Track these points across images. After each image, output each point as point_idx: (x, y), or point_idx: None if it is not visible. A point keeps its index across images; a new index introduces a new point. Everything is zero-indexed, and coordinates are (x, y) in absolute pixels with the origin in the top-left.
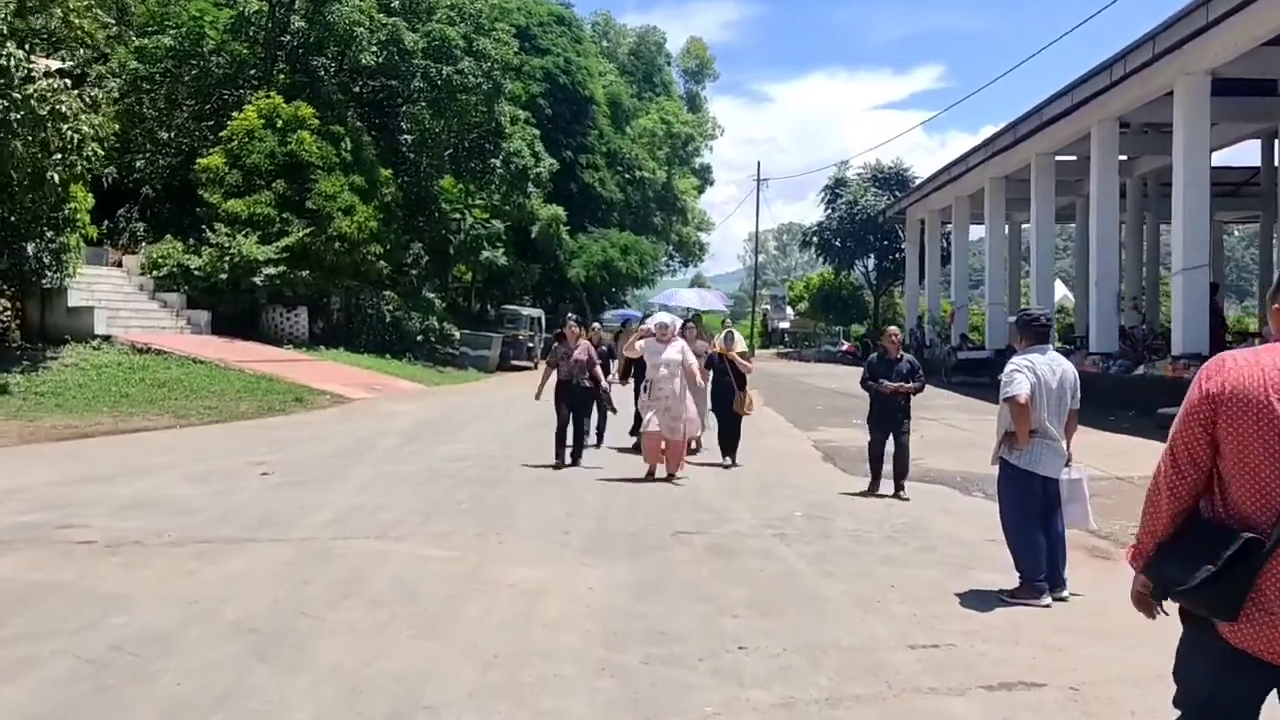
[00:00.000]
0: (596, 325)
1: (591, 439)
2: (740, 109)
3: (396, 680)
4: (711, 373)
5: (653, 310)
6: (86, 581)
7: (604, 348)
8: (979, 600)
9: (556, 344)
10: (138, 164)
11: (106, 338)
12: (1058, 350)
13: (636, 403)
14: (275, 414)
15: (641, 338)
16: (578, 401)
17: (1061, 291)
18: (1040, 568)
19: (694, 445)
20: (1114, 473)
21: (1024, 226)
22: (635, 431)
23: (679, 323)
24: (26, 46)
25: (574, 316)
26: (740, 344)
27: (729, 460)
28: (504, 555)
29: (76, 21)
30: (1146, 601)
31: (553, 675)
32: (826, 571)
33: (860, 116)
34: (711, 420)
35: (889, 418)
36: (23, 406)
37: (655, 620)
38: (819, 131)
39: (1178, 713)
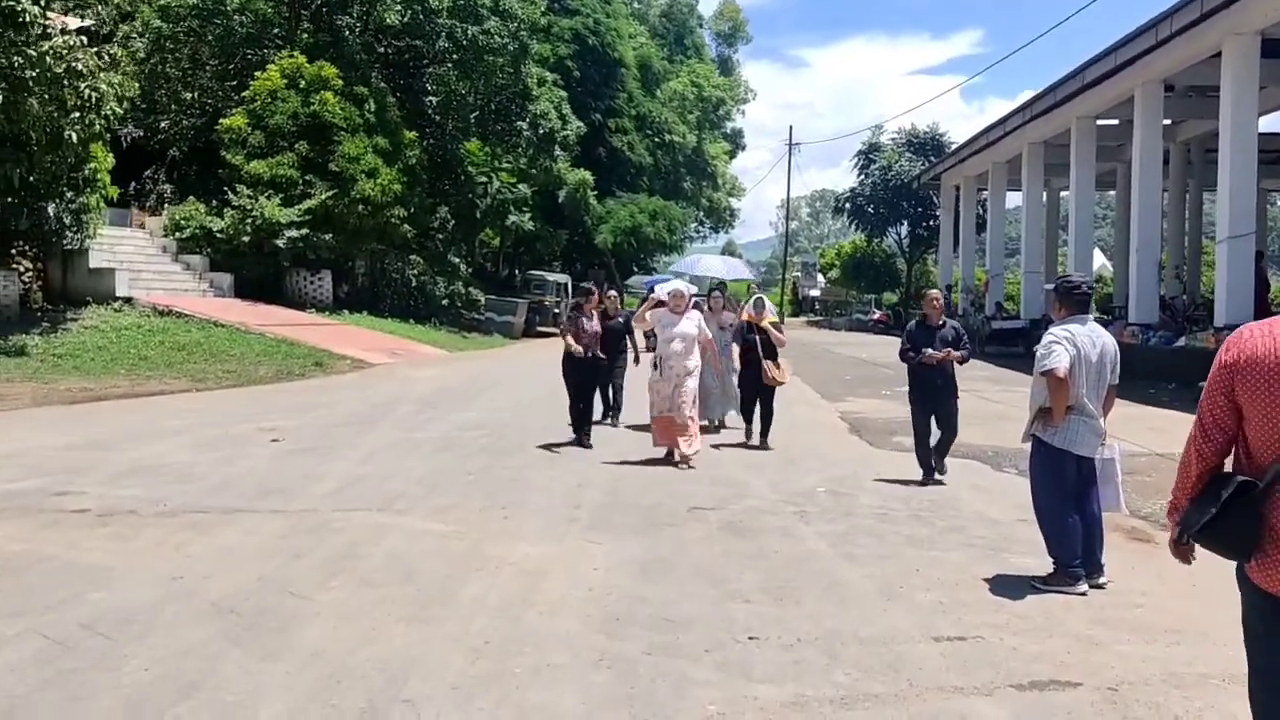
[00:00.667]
0: (613, 293)
1: (605, 418)
2: (776, 74)
3: (379, 669)
4: (739, 345)
5: (672, 278)
6: (71, 554)
7: (619, 319)
8: (1010, 587)
9: (574, 313)
10: (162, 124)
11: (128, 300)
12: (1096, 321)
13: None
14: (294, 378)
15: (654, 307)
16: (585, 377)
17: (1100, 260)
18: (1075, 553)
19: (717, 423)
20: (1153, 448)
21: (1063, 194)
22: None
23: (691, 291)
24: (42, 2)
25: (587, 285)
26: (770, 312)
27: (761, 442)
28: (508, 531)
29: None
30: (1180, 549)
31: (545, 665)
32: (848, 553)
33: (898, 82)
34: (735, 392)
35: (933, 392)
36: (40, 368)
37: (661, 605)
38: (856, 97)
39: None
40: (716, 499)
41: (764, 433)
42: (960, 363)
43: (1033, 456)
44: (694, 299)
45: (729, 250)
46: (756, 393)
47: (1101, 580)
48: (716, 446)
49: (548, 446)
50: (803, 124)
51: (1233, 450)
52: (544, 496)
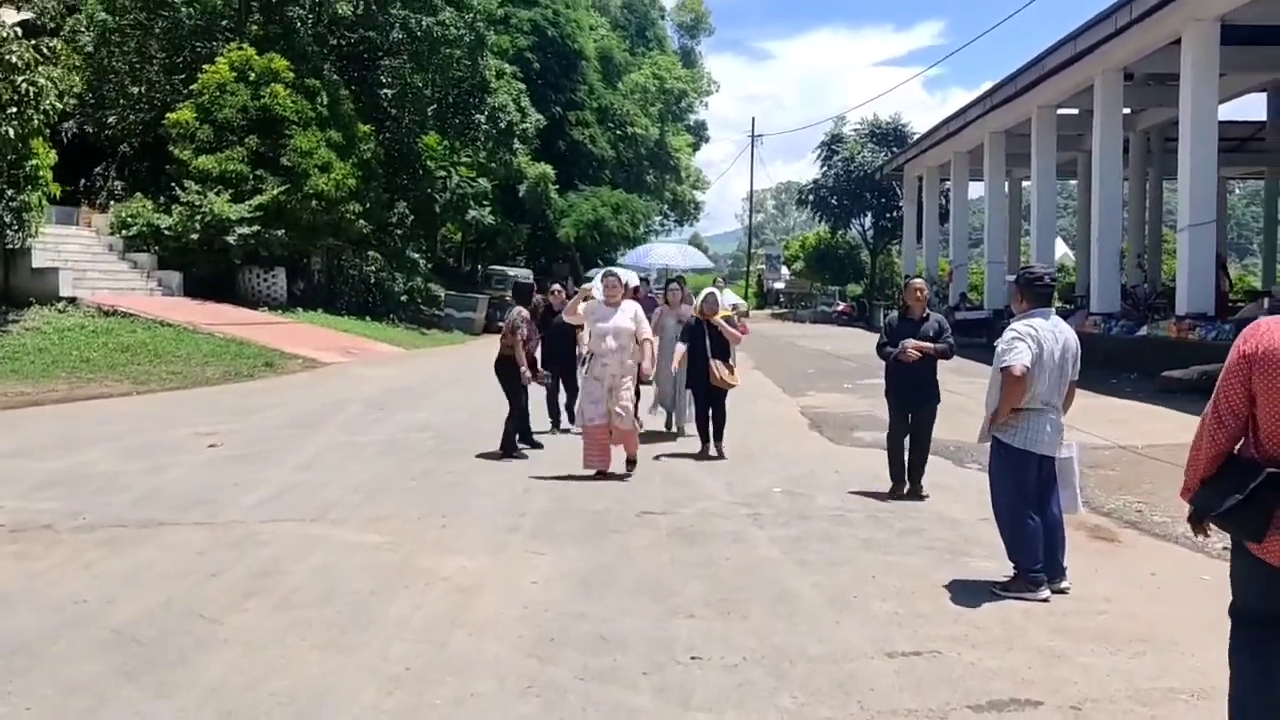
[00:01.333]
0: (556, 287)
1: (548, 424)
2: (741, 66)
3: (283, 704)
4: (684, 344)
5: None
6: None
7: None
8: (969, 594)
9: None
10: (110, 119)
11: (72, 300)
12: (1057, 314)
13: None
14: (242, 379)
15: (586, 298)
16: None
17: (1062, 250)
18: (1036, 557)
19: (673, 429)
20: (1116, 441)
21: (1025, 183)
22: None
23: (630, 279)
24: None
25: (527, 281)
26: (724, 305)
27: (714, 450)
28: (445, 542)
29: None
30: (1197, 526)
31: (468, 695)
32: (800, 560)
33: (862, 73)
34: (687, 400)
35: (912, 391)
36: None
37: (599, 622)
38: (821, 89)
39: None
40: (668, 502)
41: (717, 436)
42: (943, 358)
43: (992, 458)
44: (641, 289)
45: (694, 243)
46: (707, 397)
47: (1064, 585)
48: (671, 455)
49: (497, 448)
50: (768, 116)
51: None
52: (488, 502)
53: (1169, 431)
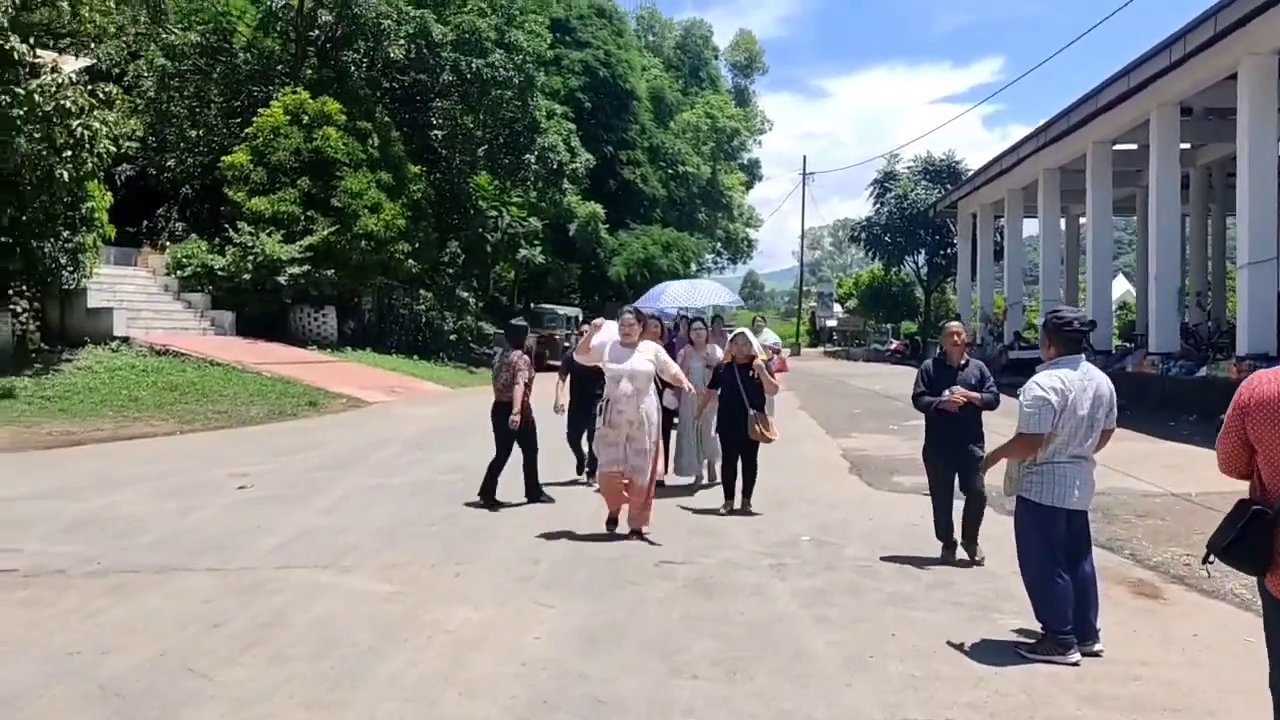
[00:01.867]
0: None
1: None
2: (798, 104)
3: None
4: (719, 389)
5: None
6: None
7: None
8: (994, 655)
9: (501, 350)
10: (169, 163)
11: (125, 339)
12: (1105, 352)
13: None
14: (285, 418)
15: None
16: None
17: (1125, 287)
18: (1066, 618)
19: (699, 479)
20: (1169, 488)
21: (1082, 220)
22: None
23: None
24: (30, 40)
25: (520, 322)
26: (757, 346)
27: (742, 504)
28: (455, 591)
29: (87, 14)
30: (1204, 562)
31: None
32: (820, 615)
33: (920, 110)
34: (716, 447)
35: (953, 445)
36: (26, 411)
37: (597, 683)
38: (878, 126)
39: None
40: (689, 551)
41: (746, 493)
42: (988, 408)
43: (1018, 513)
44: (670, 327)
45: (750, 281)
46: (737, 449)
47: (1096, 647)
48: (691, 509)
49: (524, 498)
50: (825, 153)
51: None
52: (504, 550)
53: (1226, 479)
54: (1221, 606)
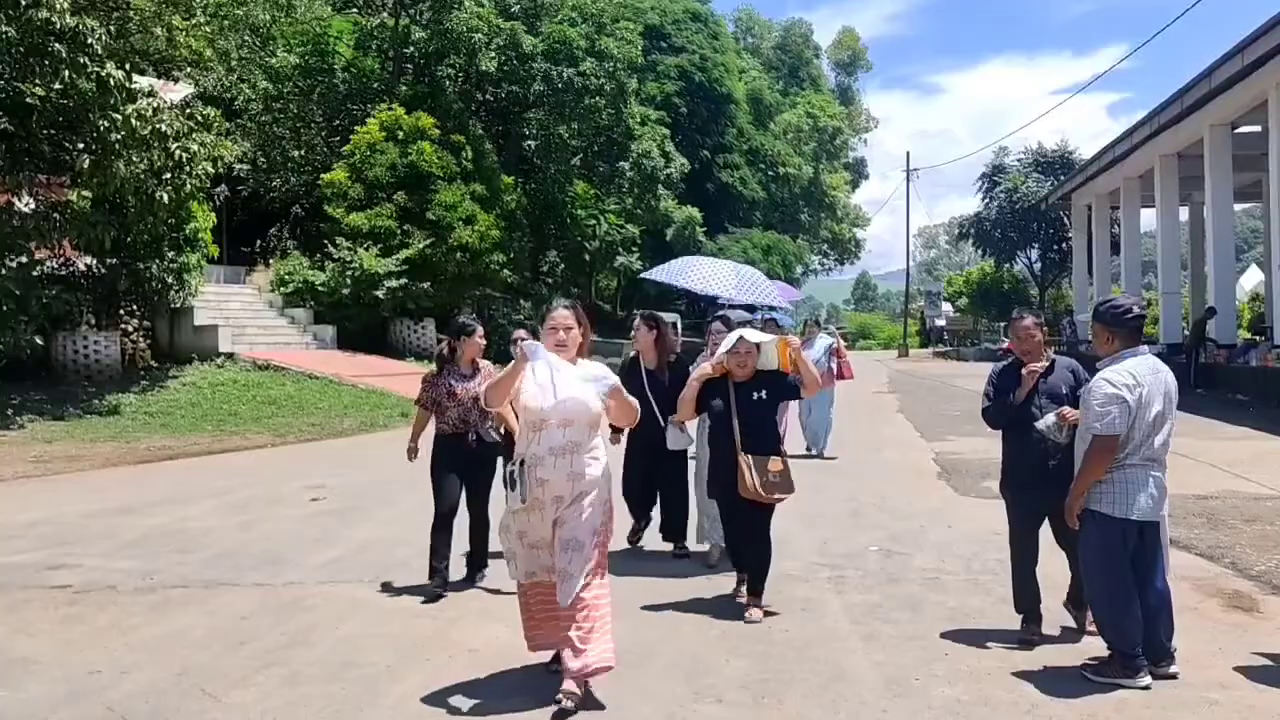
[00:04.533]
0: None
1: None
2: (910, 102)
3: None
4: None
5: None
6: (7, 641)
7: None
8: (1056, 679)
9: (439, 365)
10: (274, 183)
11: (230, 355)
12: (1230, 346)
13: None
14: (376, 430)
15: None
16: (473, 468)
17: (1259, 277)
18: (1134, 640)
19: (714, 558)
20: None
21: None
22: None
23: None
24: (126, 66)
25: (466, 320)
26: (768, 350)
27: (749, 603)
28: (492, 609)
29: (183, 40)
30: None
31: None
32: (870, 633)
33: (1039, 102)
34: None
35: (1037, 483)
36: (129, 427)
37: (613, 709)
38: (995, 120)
39: None
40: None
41: (753, 588)
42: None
43: (1083, 527)
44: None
45: (863, 283)
46: (733, 512)
47: (1171, 669)
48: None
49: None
50: (940, 151)
51: None
52: None
53: None
54: None
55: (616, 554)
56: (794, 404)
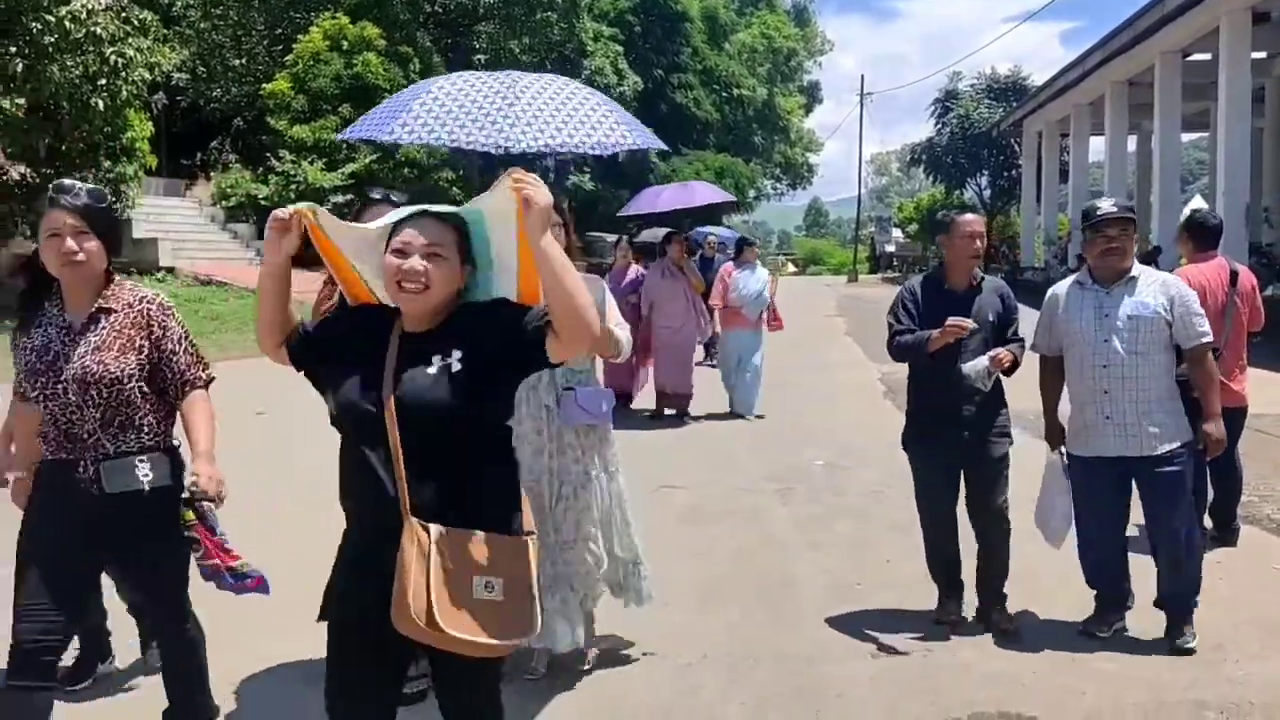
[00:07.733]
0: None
1: None
2: (866, 25)
3: None
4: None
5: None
6: None
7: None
8: None
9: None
10: (214, 93)
11: (170, 270)
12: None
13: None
14: None
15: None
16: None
17: (1202, 206)
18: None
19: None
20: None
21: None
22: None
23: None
24: None
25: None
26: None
27: None
28: None
29: None
30: None
31: None
32: (813, 541)
33: (993, 29)
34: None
35: (953, 445)
36: None
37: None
38: (948, 46)
39: None
40: (694, 476)
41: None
42: (1007, 372)
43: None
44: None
45: (814, 209)
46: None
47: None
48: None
49: None
50: (894, 76)
51: None
52: None
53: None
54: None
55: None
56: (721, 362)
